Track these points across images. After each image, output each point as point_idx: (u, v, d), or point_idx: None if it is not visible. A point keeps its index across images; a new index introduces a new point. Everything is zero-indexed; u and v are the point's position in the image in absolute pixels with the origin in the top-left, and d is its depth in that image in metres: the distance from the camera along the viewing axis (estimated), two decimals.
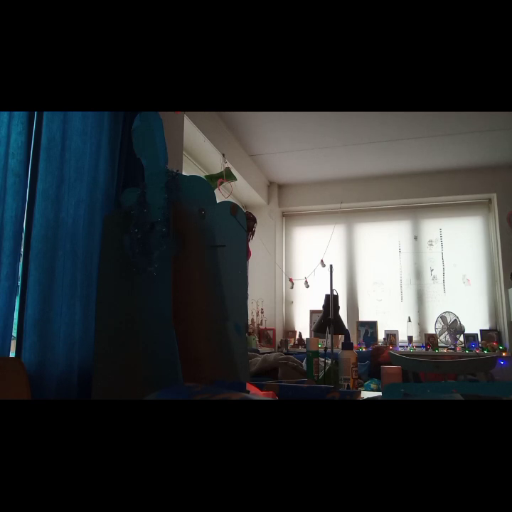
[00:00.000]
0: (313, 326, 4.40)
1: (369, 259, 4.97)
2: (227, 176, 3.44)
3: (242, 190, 4.48)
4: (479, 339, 4.47)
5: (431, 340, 4.54)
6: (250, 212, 3.60)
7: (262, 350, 4.20)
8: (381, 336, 4.74)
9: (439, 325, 4.58)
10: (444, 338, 4.54)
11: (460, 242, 4.77)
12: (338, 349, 1.87)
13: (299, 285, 5.02)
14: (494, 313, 4.57)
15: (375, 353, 4.05)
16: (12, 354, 1.44)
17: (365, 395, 1.54)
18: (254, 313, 4.87)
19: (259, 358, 2.82)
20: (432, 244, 4.86)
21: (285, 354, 2.93)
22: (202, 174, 3.71)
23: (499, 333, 4.47)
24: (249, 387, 1.25)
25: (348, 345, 1.78)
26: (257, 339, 4.66)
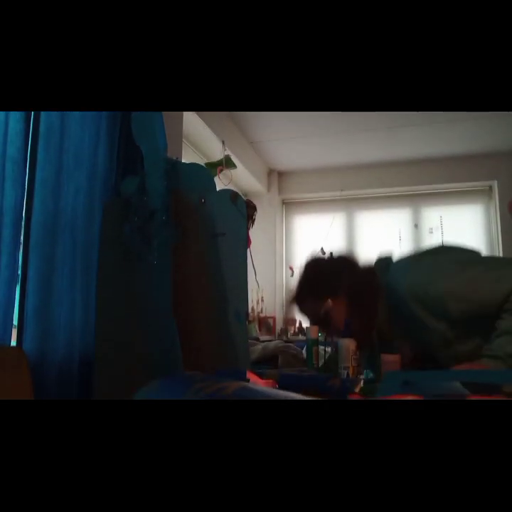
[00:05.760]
0: None
1: (369, 247, 4.96)
2: (227, 163, 3.42)
3: (241, 178, 4.46)
4: None
5: None
6: (250, 201, 3.59)
7: (262, 338, 4.21)
8: None
9: None
10: None
11: (460, 229, 4.76)
12: None
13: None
14: None
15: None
16: (13, 343, 1.45)
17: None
18: (255, 302, 4.88)
19: (260, 346, 2.83)
20: (432, 232, 4.85)
21: (285, 342, 2.94)
22: (201, 162, 3.69)
23: None
24: (249, 375, 1.26)
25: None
26: (257, 327, 4.67)
